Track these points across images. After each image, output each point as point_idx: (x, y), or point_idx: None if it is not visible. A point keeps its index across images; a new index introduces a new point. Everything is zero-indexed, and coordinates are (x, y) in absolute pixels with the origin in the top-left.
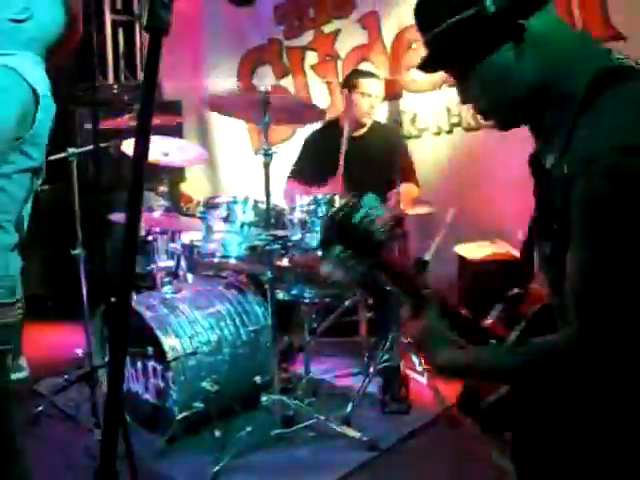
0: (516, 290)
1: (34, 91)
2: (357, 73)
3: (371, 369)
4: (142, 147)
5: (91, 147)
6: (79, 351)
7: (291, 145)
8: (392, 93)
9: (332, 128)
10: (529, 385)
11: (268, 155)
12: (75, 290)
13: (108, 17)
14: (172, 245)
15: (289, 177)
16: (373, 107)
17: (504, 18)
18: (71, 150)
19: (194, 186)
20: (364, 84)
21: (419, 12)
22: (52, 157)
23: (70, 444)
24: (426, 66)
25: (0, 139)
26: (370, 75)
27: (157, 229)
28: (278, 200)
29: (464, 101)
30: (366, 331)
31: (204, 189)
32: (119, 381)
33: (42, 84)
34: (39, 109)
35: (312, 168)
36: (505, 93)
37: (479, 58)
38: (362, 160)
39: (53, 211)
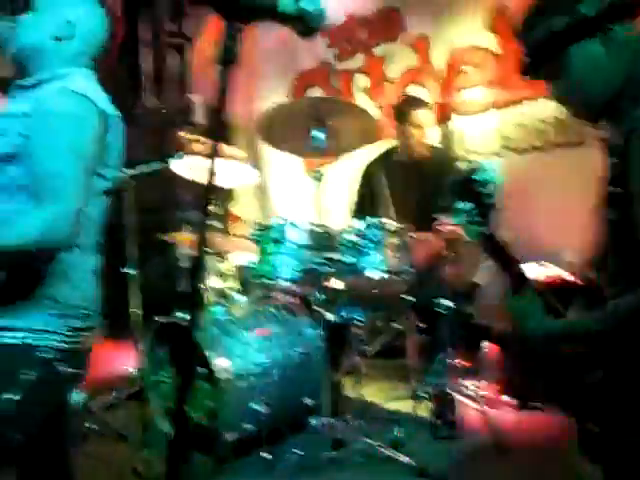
0: None
1: (104, 113)
2: (408, 104)
3: (421, 393)
4: (213, 171)
5: (149, 168)
6: (129, 369)
7: (342, 165)
8: (442, 116)
9: (387, 158)
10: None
11: (320, 177)
12: (126, 308)
13: (162, 39)
14: (222, 265)
15: (350, 214)
16: (425, 137)
17: (597, 22)
18: (125, 171)
19: (242, 206)
20: (416, 116)
21: (523, 22)
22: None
23: (118, 462)
24: (529, 70)
25: (82, 167)
26: (421, 105)
27: (208, 249)
28: (330, 222)
29: (558, 100)
30: (415, 354)
31: (252, 209)
32: (185, 399)
33: (107, 103)
34: (110, 130)
35: (372, 202)
36: (597, 88)
37: (574, 57)
38: (414, 185)
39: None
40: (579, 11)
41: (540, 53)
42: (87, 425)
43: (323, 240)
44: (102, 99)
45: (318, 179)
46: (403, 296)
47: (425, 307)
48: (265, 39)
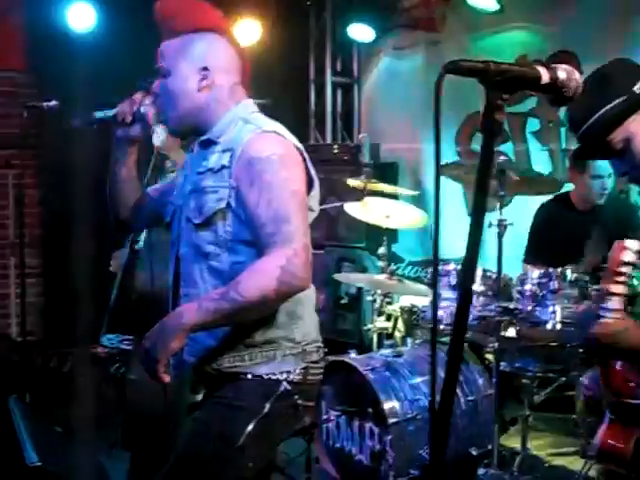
0: None
1: (296, 146)
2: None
3: (591, 452)
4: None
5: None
6: None
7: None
8: None
9: (562, 204)
10: None
11: (503, 226)
12: None
13: (329, 78)
14: (389, 307)
15: (524, 261)
16: (606, 188)
17: None
18: None
19: (405, 247)
20: (596, 167)
21: (572, 109)
22: None
23: None
24: (584, 155)
25: (298, 204)
26: None
27: (378, 290)
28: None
29: (621, 173)
30: (584, 409)
31: (415, 251)
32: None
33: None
34: (306, 160)
35: (546, 250)
36: None
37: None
38: (593, 236)
39: None
40: (635, 93)
41: (595, 139)
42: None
43: (498, 287)
44: (287, 132)
45: (502, 227)
46: (578, 348)
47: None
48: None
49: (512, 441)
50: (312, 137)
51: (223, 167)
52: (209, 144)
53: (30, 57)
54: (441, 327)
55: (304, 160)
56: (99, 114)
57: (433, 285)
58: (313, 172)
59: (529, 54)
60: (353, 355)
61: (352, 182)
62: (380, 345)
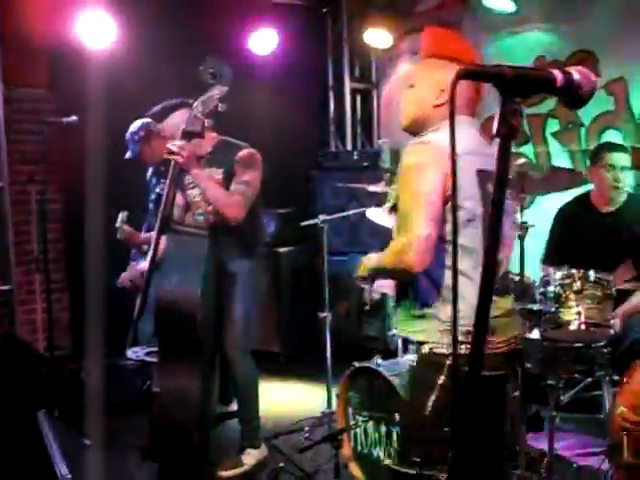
0: None
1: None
2: (604, 147)
3: None
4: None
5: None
6: (321, 410)
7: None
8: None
9: (582, 205)
10: None
11: (525, 229)
12: (312, 349)
13: (347, 85)
14: None
15: (543, 262)
16: (618, 180)
17: None
18: (322, 217)
19: None
20: (610, 157)
21: None
22: (304, 223)
23: None
24: None
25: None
26: (617, 148)
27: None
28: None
29: None
30: (610, 409)
31: None
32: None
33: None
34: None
35: (565, 252)
36: None
37: None
38: (614, 237)
39: (293, 272)
40: None
41: None
42: (279, 464)
43: (522, 289)
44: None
45: (524, 229)
46: (602, 348)
47: (626, 359)
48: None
49: (539, 442)
50: (332, 144)
51: None
52: None
53: (51, 73)
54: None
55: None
56: None
57: (454, 288)
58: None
59: (547, 55)
60: (378, 361)
61: (373, 188)
62: (405, 350)
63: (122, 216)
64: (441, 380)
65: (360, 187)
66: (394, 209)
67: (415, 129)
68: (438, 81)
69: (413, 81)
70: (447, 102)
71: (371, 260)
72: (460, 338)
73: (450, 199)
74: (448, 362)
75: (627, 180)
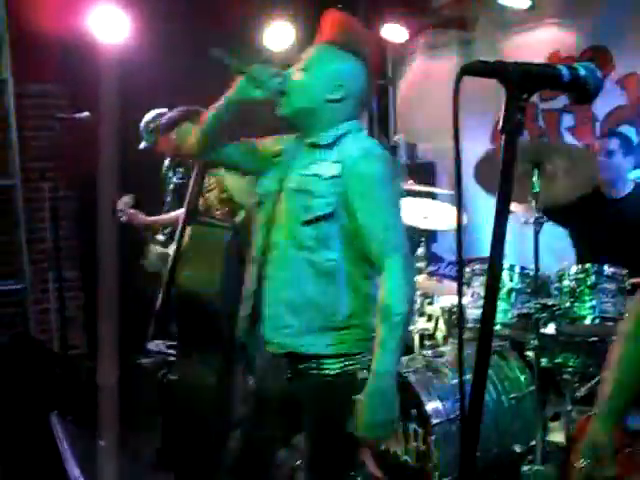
0: None
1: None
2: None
3: None
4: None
5: None
6: None
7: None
8: None
9: (592, 195)
10: None
11: (539, 223)
12: None
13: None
14: (430, 307)
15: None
16: (608, 150)
17: None
18: None
19: (444, 247)
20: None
21: None
22: None
23: None
24: None
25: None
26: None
27: (418, 291)
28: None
29: None
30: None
31: (454, 250)
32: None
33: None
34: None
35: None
36: None
37: None
38: (621, 224)
39: None
40: None
41: None
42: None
43: (537, 284)
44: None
45: (539, 224)
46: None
47: None
48: (464, 81)
49: (555, 436)
50: None
51: (333, 177)
52: (315, 147)
53: (62, 69)
54: (479, 326)
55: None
56: None
57: (459, 288)
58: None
59: (561, 50)
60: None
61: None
62: (422, 346)
63: (126, 199)
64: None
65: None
66: None
67: (296, 121)
68: (334, 73)
69: (305, 65)
70: (341, 100)
71: None
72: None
73: None
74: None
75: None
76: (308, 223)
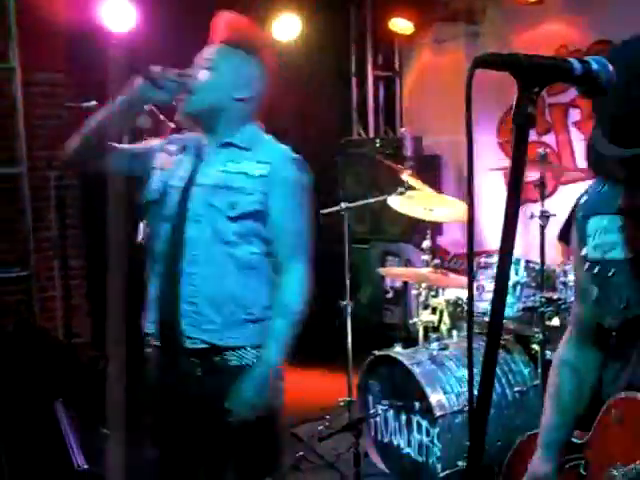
0: None
1: None
2: None
3: None
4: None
5: (361, 202)
6: (341, 400)
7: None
8: None
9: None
10: None
11: (546, 217)
12: (336, 339)
13: (370, 72)
14: (435, 300)
15: (559, 239)
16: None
17: None
18: (344, 205)
19: (450, 240)
20: None
21: None
22: (325, 210)
23: None
24: None
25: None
26: None
27: (423, 283)
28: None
29: None
30: None
31: (460, 243)
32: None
33: None
34: None
35: None
36: None
37: None
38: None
39: (315, 259)
40: None
41: None
42: (298, 453)
43: (542, 278)
44: None
45: (545, 218)
46: None
47: None
48: (476, 78)
49: None
50: (355, 131)
51: (261, 176)
52: (230, 146)
53: (69, 58)
54: (486, 319)
55: None
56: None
57: (469, 281)
58: None
59: (569, 44)
60: (398, 349)
61: (400, 176)
62: (426, 338)
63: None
64: None
65: (383, 175)
66: None
67: (202, 120)
68: (241, 72)
69: (210, 64)
70: (248, 99)
71: None
72: None
73: None
74: None
75: None
76: (234, 219)
